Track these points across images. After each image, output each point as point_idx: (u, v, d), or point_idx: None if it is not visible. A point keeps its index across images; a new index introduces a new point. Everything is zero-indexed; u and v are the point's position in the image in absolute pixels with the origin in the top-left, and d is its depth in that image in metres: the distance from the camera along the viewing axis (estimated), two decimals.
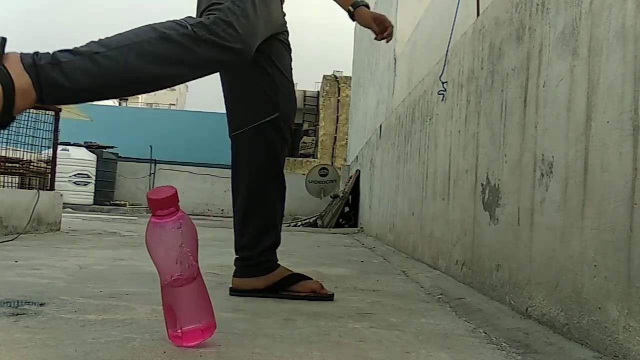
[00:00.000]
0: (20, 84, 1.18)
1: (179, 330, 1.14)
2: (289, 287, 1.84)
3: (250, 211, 1.85)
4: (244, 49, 1.46)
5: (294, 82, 1.92)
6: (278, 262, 1.89)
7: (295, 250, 3.93)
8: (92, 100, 1.40)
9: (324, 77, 20.66)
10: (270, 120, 1.82)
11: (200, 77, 1.48)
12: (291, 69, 1.90)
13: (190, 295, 1.17)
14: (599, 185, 1.25)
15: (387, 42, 2.03)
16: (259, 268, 1.84)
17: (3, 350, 1.04)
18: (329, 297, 1.85)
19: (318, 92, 22.60)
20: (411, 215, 3.65)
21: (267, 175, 1.85)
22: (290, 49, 1.90)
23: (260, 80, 1.82)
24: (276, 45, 1.82)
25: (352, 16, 1.99)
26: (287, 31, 1.89)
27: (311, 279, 1.89)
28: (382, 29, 1.97)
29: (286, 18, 1.93)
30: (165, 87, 1.44)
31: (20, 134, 4.31)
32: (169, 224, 1.13)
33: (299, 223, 9.38)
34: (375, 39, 2.01)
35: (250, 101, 1.84)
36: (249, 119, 1.83)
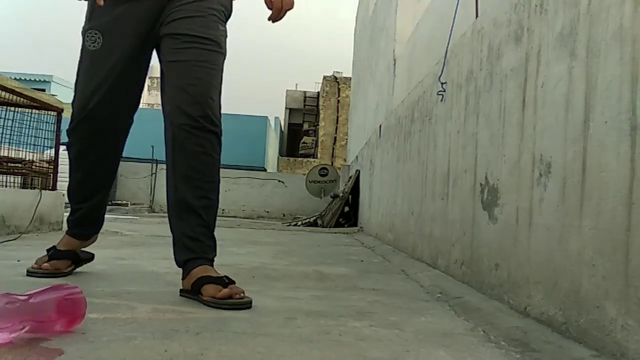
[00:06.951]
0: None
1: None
2: (199, 290, 1.67)
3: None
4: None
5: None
6: (192, 259, 1.75)
7: (296, 250, 3.94)
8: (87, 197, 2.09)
9: (324, 77, 20.67)
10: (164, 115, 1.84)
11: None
12: (190, 57, 1.82)
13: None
14: (597, 185, 1.26)
15: (272, 21, 1.92)
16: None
17: (4, 350, 1.05)
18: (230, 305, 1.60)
19: (318, 92, 22.61)
20: (411, 215, 3.66)
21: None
22: (189, 35, 1.82)
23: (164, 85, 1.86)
24: (165, 43, 1.86)
25: None
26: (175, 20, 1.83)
27: (222, 281, 1.66)
28: (275, 13, 1.90)
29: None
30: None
31: (23, 134, 4.32)
32: None
33: (299, 223, 9.39)
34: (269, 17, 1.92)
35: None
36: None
